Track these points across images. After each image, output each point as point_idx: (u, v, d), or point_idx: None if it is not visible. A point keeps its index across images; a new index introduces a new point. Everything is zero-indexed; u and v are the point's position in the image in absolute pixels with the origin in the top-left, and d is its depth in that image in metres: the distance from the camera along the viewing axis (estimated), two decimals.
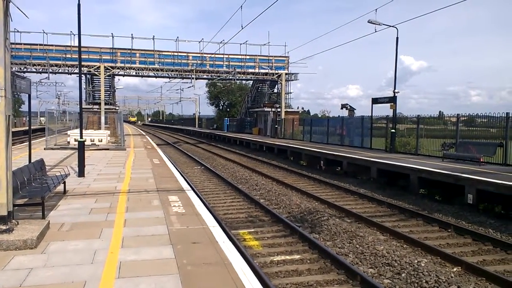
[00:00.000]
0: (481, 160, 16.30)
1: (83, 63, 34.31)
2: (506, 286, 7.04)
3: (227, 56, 42.55)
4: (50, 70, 38.18)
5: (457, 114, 19.49)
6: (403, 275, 7.52)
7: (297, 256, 8.54)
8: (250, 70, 43.55)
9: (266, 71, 43.98)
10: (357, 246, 9.17)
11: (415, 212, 12.32)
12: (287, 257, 8.52)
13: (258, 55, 43.58)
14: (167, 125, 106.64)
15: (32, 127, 15.66)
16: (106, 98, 40.56)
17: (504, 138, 16.59)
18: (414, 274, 7.46)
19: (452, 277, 7.35)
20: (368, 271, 7.84)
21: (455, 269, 7.91)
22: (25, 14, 9.46)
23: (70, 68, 38.79)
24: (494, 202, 12.39)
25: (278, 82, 44.97)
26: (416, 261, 8.07)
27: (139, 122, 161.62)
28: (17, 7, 8.31)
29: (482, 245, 9.54)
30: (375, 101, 25.72)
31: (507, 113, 16.59)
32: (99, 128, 35.92)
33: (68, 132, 28.07)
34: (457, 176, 13.26)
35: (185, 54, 41.95)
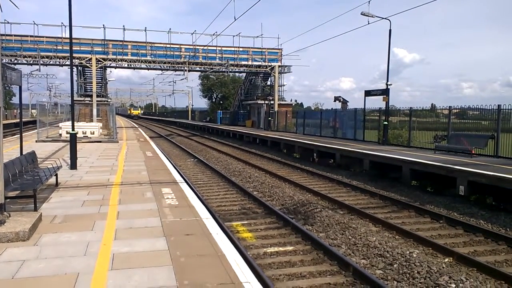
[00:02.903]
0: (473, 152, 16.42)
1: (74, 55, 34.04)
2: (496, 277, 7.13)
3: (220, 48, 42.37)
4: (41, 62, 37.80)
5: (449, 107, 19.61)
6: (395, 265, 7.57)
7: (290, 248, 8.58)
8: (243, 63, 43.42)
9: (259, 63, 43.88)
10: (350, 237, 9.23)
11: (407, 204, 12.41)
12: (280, 248, 8.55)
13: (251, 47, 43.44)
14: (160, 118, 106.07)
15: (23, 120, 15.53)
16: (98, 90, 40.30)
17: (495, 130, 16.71)
18: (406, 265, 7.52)
19: (443, 267, 7.42)
20: (361, 262, 7.90)
21: (446, 260, 7.99)
22: (15, 5, 9.35)
23: (61, 60, 38.46)
24: (485, 194, 12.50)
25: (271, 75, 44.90)
26: (408, 252, 8.14)
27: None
28: None
29: (474, 236, 9.63)
30: (368, 93, 25.77)
31: (498, 105, 16.70)
32: (91, 121, 35.71)
33: (60, 124, 27.89)
34: (449, 168, 13.35)
35: (177, 46, 41.74)
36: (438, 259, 8.00)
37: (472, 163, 14.12)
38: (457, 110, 20.17)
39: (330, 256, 7.93)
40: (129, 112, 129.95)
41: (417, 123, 21.87)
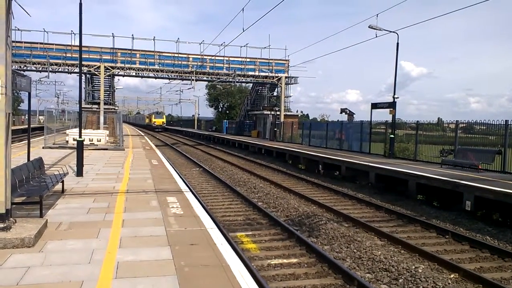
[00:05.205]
0: (480, 167, 16.32)
1: (83, 62, 34.24)
2: None
3: (227, 58, 42.60)
4: (50, 69, 38.15)
5: (456, 121, 19.54)
6: (400, 280, 7.51)
7: (294, 260, 8.53)
8: (250, 73, 43.59)
9: (266, 74, 44.02)
10: (355, 250, 9.17)
11: (413, 218, 12.33)
12: (285, 260, 8.50)
13: (259, 58, 43.63)
14: (166, 127, 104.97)
15: (31, 126, 15.65)
16: (105, 98, 40.53)
17: (502, 145, 16.62)
18: (411, 280, 7.45)
19: (449, 283, 7.35)
20: (366, 276, 7.84)
21: (452, 276, 7.91)
22: (27, 12, 9.47)
23: (70, 67, 38.80)
24: (492, 209, 12.41)
25: (278, 86, 45.01)
26: (413, 267, 8.07)
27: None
28: (19, 5, 8.31)
29: (480, 252, 9.54)
30: (374, 106, 25.75)
31: (506, 120, 16.64)
32: (98, 128, 35.88)
33: (67, 131, 28.04)
34: (456, 183, 13.27)
35: (185, 55, 42.00)
36: (444, 275, 7.92)
37: (478, 178, 14.03)
38: (464, 125, 20.10)
39: (335, 269, 7.87)
40: (147, 121, 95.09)
41: (423, 136, 21.80)
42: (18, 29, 36.61)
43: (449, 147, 19.28)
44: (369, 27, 22.50)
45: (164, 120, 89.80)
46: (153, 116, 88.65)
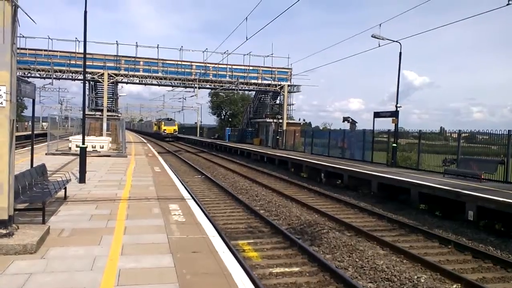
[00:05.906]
0: (482, 177, 16.29)
1: (87, 69, 34.42)
2: None
3: (230, 66, 42.76)
4: (54, 76, 38.33)
5: (459, 130, 19.53)
6: None
7: (296, 269, 8.50)
8: (253, 81, 43.72)
9: (269, 82, 44.16)
10: (357, 260, 9.14)
11: (415, 228, 12.29)
12: (286, 269, 8.48)
13: (261, 66, 43.78)
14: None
15: (34, 132, 15.69)
16: (108, 105, 40.64)
17: (505, 155, 16.59)
18: None
19: None
20: (368, 285, 7.81)
21: (454, 286, 7.87)
22: (33, 20, 9.52)
23: (74, 74, 38.97)
24: (494, 219, 12.34)
25: (281, 94, 45.12)
26: (415, 276, 8.03)
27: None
28: (25, 13, 8.38)
29: (482, 262, 9.49)
30: (377, 115, 25.76)
31: (509, 130, 16.63)
32: (101, 135, 35.97)
33: (70, 138, 28.09)
34: (458, 192, 13.23)
35: (188, 63, 42.18)
36: (446, 285, 7.89)
37: (481, 188, 14.00)
38: (467, 134, 20.09)
39: (337, 278, 7.84)
40: (155, 128, 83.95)
41: (426, 146, 21.78)
42: (23, 36, 36.83)
43: (451, 156, 19.26)
44: (372, 36, 22.56)
45: (176, 127, 77.70)
46: (163, 123, 76.55)
